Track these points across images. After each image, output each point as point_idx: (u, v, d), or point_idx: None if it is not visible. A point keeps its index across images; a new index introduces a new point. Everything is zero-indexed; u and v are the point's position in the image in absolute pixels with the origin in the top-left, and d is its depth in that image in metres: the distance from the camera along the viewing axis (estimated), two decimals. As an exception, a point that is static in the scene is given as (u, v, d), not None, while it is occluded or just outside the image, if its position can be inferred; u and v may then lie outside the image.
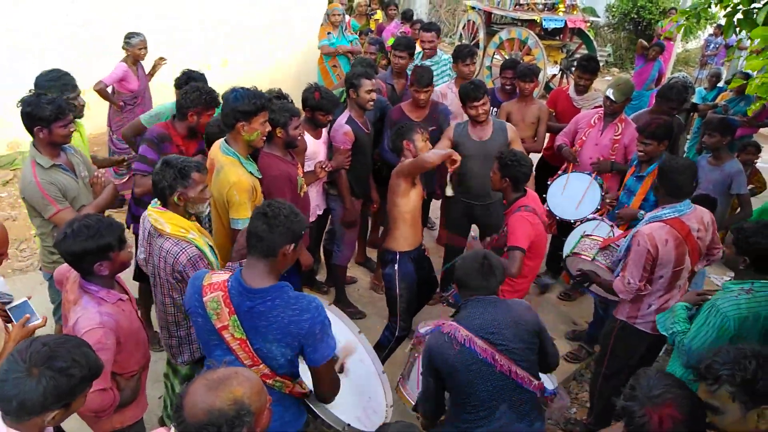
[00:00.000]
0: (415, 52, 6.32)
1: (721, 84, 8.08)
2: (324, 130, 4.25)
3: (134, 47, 5.83)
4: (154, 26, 7.32)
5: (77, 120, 3.72)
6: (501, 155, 3.49)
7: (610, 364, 3.53)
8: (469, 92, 4.18)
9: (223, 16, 8.43)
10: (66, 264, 2.74)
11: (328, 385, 2.32)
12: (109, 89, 5.96)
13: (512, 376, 2.41)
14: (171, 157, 2.78)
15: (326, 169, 4.07)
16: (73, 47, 7.20)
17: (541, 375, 2.63)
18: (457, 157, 3.63)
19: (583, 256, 3.57)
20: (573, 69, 10.99)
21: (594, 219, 4.16)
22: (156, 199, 2.80)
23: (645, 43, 8.46)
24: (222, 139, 3.25)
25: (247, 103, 3.02)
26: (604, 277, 3.46)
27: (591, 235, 3.72)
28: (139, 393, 2.68)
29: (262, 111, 3.09)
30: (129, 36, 5.86)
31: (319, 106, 3.95)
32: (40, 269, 3.60)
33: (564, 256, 3.85)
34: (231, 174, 3.09)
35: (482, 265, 2.51)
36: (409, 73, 4.85)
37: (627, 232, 3.58)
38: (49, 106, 3.10)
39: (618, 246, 3.54)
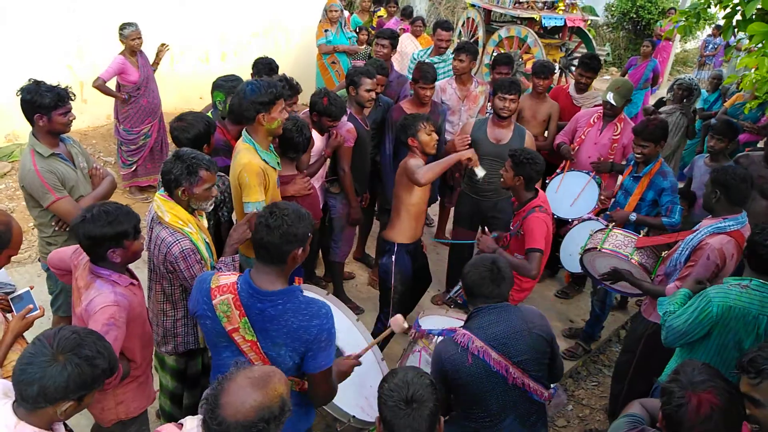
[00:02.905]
0: (421, 49, 6.34)
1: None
2: None
3: (128, 38, 5.78)
4: (157, 17, 7.33)
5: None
6: (514, 153, 3.49)
7: (639, 365, 3.50)
8: (504, 84, 4.22)
9: (222, 12, 8.43)
10: (63, 249, 2.74)
11: (322, 393, 2.29)
12: (113, 82, 5.94)
13: (524, 387, 2.38)
14: (184, 150, 2.78)
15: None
16: (77, 38, 7.18)
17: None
18: (466, 155, 3.62)
19: (620, 254, 3.51)
20: (572, 68, 11.04)
21: (590, 219, 4.19)
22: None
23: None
24: (244, 129, 3.27)
25: (265, 93, 3.04)
26: (637, 275, 3.41)
27: (624, 232, 3.65)
28: (145, 382, 2.69)
29: (279, 99, 3.11)
30: (122, 27, 5.80)
31: (326, 111, 3.91)
32: (39, 260, 3.59)
33: (580, 253, 3.77)
34: (243, 157, 3.13)
35: (491, 272, 2.43)
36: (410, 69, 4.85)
37: (670, 236, 3.55)
38: (49, 93, 3.11)
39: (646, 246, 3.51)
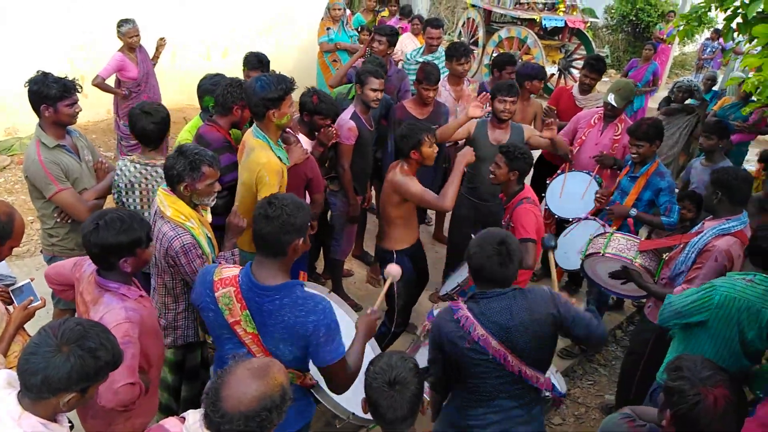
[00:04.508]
0: (413, 49, 6.35)
1: (716, 87, 8.13)
2: None
3: (125, 35, 5.79)
4: (159, 12, 7.34)
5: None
6: (508, 149, 3.52)
7: (646, 368, 3.49)
8: (503, 86, 4.28)
9: (226, 7, 8.44)
10: (61, 263, 2.66)
11: (336, 383, 2.29)
12: (113, 78, 5.95)
13: (521, 374, 2.35)
14: (187, 146, 2.77)
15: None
16: (79, 32, 7.18)
17: (551, 376, 2.60)
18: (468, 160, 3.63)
19: (623, 258, 3.51)
20: (572, 69, 11.08)
21: (588, 219, 4.21)
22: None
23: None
24: (254, 124, 3.27)
25: (275, 90, 3.05)
26: (642, 278, 3.42)
27: (625, 236, 3.66)
28: (154, 393, 2.63)
29: (288, 94, 3.12)
30: (119, 24, 5.80)
31: (317, 110, 3.88)
32: (41, 251, 3.61)
33: (581, 258, 3.76)
34: (261, 155, 3.14)
35: (499, 254, 2.31)
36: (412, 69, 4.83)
37: (674, 238, 3.58)
38: (55, 84, 3.13)
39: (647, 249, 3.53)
